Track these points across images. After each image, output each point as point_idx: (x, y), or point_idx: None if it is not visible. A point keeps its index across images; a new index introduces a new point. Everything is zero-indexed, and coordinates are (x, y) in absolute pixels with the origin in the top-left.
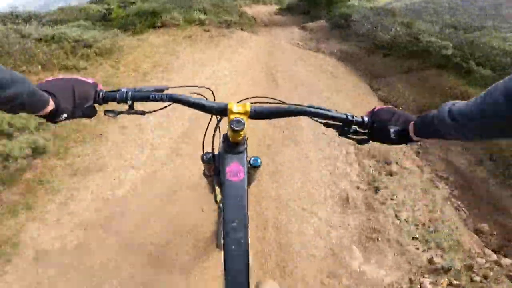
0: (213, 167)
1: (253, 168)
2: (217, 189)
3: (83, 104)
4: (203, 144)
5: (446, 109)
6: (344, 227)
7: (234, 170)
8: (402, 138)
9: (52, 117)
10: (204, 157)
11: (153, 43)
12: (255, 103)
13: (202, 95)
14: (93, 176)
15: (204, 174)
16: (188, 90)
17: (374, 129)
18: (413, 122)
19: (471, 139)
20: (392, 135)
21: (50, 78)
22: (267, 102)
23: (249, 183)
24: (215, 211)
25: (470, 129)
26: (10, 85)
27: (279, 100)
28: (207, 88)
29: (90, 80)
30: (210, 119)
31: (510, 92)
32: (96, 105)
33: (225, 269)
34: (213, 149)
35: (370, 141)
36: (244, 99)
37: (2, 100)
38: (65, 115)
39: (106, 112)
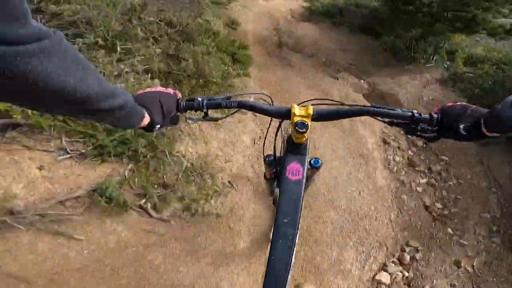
0: (274, 170)
1: (313, 168)
2: (276, 191)
3: (170, 114)
4: (263, 148)
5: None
6: None
7: (294, 169)
8: (474, 134)
9: (149, 128)
10: (267, 159)
11: None
12: (316, 104)
13: (265, 100)
14: None
15: (265, 176)
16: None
17: (444, 126)
18: (485, 117)
19: None
20: (462, 131)
21: (141, 92)
22: (327, 104)
23: (307, 184)
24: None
25: None
26: (115, 96)
27: (340, 102)
28: (267, 95)
29: (171, 91)
30: (270, 123)
31: None
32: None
33: (268, 260)
34: (275, 151)
35: (441, 139)
36: (306, 101)
37: (105, 110)
38: (158, 125)
39: (187, 119)
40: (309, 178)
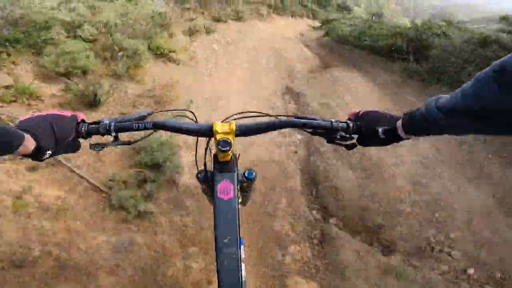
0: (210, 184)
1: (248, 181)
2: None
3: (65, 139)
4: (196, 163)
5: (433, 104)
6: None
7: (225, 188)
8: (391, 137)
9: (36, 155)
10: (199, 175)
11: None
12: (239, 118)
13: (187, 117)
14: None
15: (203, 190)
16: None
17: (362, 133)
18: (401, 120)
19: (463, 134)
20: (381, 135)
21: (26, 117)
22: (252, 116)
23: (247, 197)
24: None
25: (460, 124)
26: None
27: (263, 113)
28: (189, 111)
29: (68, 114)
30: (197, 139)
31: (476, 88)
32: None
33: (218, 284)
34: (205, 167)
35: (358, 146)
36: (228, 117)
37: None
38: (49, 152)
39: (91, 146)
40: (247, 190)
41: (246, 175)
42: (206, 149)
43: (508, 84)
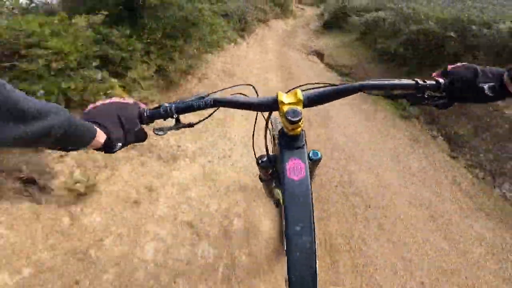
0: (270, 171)
1: (313, 162)
2: (276, 192)
3: (132, 127)
4: (254, 147)
5: None
6: None
7: (295, 167)
8: (499, 93)
9: (108, 148)
10: (260, 161)
11: None
12: (305, 90)
13: (243, 94)
14: None
15: (260, 178)
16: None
17: (456, 89)
18: (508, 70)
19: None
20: (488, 92)
21: (91, 107)
22: (318, 87)
23: (310, 181)
24: (276, 216)
25: None
26: (39, 117)
27: (329, 83)
28: (249, 85)
29: (131, 101)
30: (256, 118)
31: None
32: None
33: (288, 278)
34: (267, 150)
35: (453, 104)
36: (293, 88)
37: (31, 135)
38: (119, 144)
39: (155, 131)
40: (310, 174)
41: (310, 155)
42: (266, 125)
43: None
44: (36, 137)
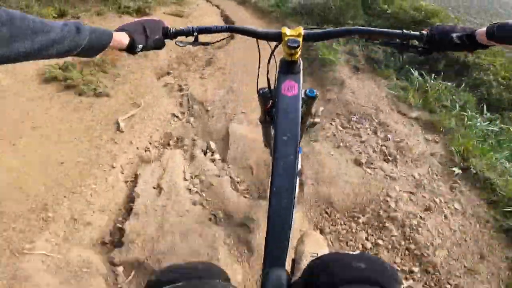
0: (270, 104)
1: (309, 98)
2: (272, 134)
3: (154, 36)
4: (257, 80)
5: None
6: None
7: (289, 85)
8: (468, 43)
9: (131, 49)
10: (261, 91)
11: None
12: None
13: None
14: None
15: (260, 120)
16: None
17: (435, 40)
18: (483, 28)
19: None
20: (456, 40)
21: (125, 24)
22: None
23: (304, 119)
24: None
25: None
26: (41, 32)
27: (330, 27)
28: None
29: (156, 18)
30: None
31: None
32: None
33: (271, 187)
34: (268, 81)
35: (432, 52)
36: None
37: (38, 47)
38: (140, 45)
39: (177, 42)
40: (307, 110)
41: (307, 92)
42: (270, 56)
43: None
44: (42, 49)
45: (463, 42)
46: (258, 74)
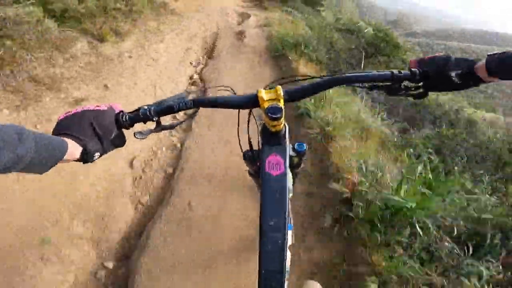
0: (256, 165)
1: (298, 154)
2: None
3: (109, 135)
4: (240, 143)
5: None
6: None
7: (274, 162)
8: (468, 80)
9: (85, 159)
10: (246, 154)
11: None
12: (284, 83)
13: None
14: None
15: (249, 173)
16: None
17: (431, 78)
18: (484, 61)
19: None
20: (455, 79)
21: (62, 117)
22: (296, 79)
23: (295, 173)
24: None
25: None
26: (3, 147)
27: (309, 75)
28: (227, 87)
29: (105, 107)
30: (238, 115)
31: None
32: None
33: (259, 270)
34: (250, 145)
35: (429, 93)
36: (271, 83)
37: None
38: (97, 153)
39: (136, 134)
40: (296, 166)
41: (296, 148)
42: (248, 121)
43: None
44: (7, 167)
45: (464, 81)
46: (239, 139)
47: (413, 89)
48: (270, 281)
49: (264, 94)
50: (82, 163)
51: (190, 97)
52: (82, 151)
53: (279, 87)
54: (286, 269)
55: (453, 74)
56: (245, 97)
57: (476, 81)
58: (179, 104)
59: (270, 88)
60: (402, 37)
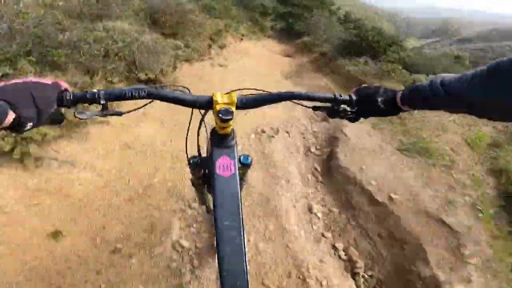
0: (202, 172)
1: (243, 166)
2: (208, 198)
3: (47, 109)
4: (187, 147)
5: (438, 82)
6: None
7: (225, 164)
8: (391, 108)
9: (17, 127)
10: (191, 161)
11: None
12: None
13: (182, 91)
14: None
15: (193, 183)
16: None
17: (362, 104)
18: (401, 92)
19: (457, 113)
20: (381, 104)
21: (2, 84)
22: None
23: (241, 185)
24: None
25: (462, 103)
26: None
27: (263, 90)
28: (184, 87)
29: (49, 81)
30: (191, 117)
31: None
32: (65, 109)
33: (220, 272)
34: (199, 149)
35: (361, 118)
36: (229, 92)
37: None
38: (30, 123)
39: (76, 113)
40: (242, 177)
41: (241, 160)
42: (200, 123)
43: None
44: None
45: (387, 107)
46: (187, 142)
47: (349, 113)
48: (234, 282)
49: (219, 98)
50: (10, 132)
51: (146, 88)
52: (15, 117)
53: (234, 93)
54: (247, 267)
55: (379, 100)
56: (200, 97)
57: (397, 108)
58: (131, 91)
59: (226, 93)
60: (453, 46)
